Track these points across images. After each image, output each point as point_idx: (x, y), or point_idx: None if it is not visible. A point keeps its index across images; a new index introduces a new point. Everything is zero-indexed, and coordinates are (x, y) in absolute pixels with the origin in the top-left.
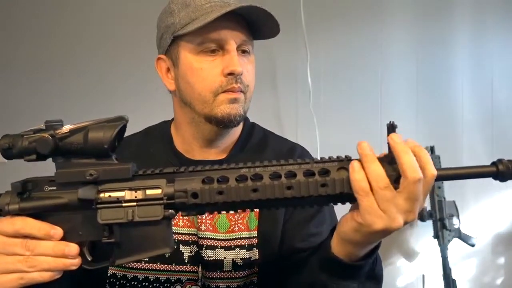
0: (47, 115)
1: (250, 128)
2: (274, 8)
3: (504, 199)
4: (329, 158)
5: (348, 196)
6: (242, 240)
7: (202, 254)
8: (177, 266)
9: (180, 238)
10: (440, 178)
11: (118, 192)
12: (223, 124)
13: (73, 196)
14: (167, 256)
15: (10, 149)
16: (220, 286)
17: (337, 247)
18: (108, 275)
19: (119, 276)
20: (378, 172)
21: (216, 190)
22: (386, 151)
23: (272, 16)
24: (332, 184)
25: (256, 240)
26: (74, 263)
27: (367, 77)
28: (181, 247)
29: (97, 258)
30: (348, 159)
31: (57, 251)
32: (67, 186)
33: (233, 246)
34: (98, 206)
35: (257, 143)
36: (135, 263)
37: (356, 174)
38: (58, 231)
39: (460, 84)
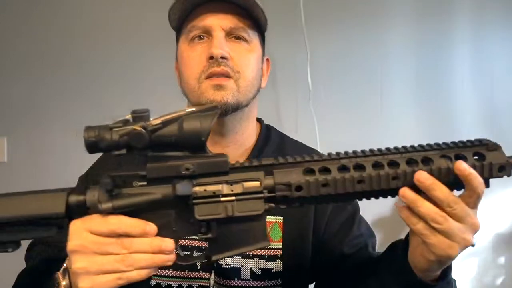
0: (46, 113)
1: (267, 132)
2: (274, 8)
3: (504, 199)
4: (427, 144)
5: (454, 182)
6: (263, 250)
7: (219, 262)
8: (189, 273)
9: (193, 244)
10: None
11: (214, 185)
12: None
13: (167, 192)
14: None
15: (96, 143)
16: None
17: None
18: None
19: None
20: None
21: (321, 182)
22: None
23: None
24: (437, 172)
25: (281, 252)
26: (170, 258)
27: (367, 77)
28: (194, 253)
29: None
30: (451, 147)
31: (154, 247)
32: (159, 181)
33: (251, 255)
34: (195, 201)
35: (275, 149)
36: None
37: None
38: (153, 227)
39: (460, 84)
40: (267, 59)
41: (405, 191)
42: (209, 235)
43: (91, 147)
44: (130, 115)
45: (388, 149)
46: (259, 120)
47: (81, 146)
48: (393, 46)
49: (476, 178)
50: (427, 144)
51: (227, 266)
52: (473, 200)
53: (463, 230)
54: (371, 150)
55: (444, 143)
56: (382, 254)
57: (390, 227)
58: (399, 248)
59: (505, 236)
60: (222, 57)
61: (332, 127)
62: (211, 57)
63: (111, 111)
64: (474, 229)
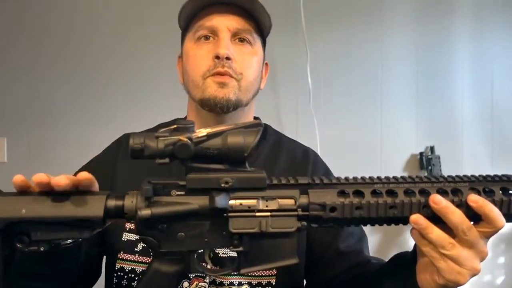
0: (46, 113)
1: (264, 129)
2: (274, 8)
3: None
4: (456, 176)
5: (474, 216)
6: None
7: (216, 251)
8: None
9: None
10: None
11: (250, 200)
12: (209, 106)
13: (204, 203)
14: None
15: (142, 150)
16: (234, 282)
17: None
18: (116, 268)
19: (127, 270)
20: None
21: (355, 205)
22: (384, 152)
23: (259, 3)
24: (465, 205)
25: None
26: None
27: (367, 77)
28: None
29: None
30: (471, 180)
31: None
32: (197, 192)
33: None
34: (230, 214)
35: (272, 144)
36: (144, 257)
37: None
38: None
39: (460, 84)
40: (266, 63)
41: (418, 218)
42: (241, 248)
43: (136, 153)
44: (176, 125)
45: (420, 177)
46: (256, 119)
47: (80, 146)
48: (393, 47)
49: (492, 211)
50: (457, 176)
51: (224, 255)
52: (488, 232)
53: (471, 258)
54: (403, 177)
55: (473, 176)
56: (386, 265)
57: (389, 227)
58: (406, 263)
59: (505, 236)
60: (227, 58)
61: (332, 127)
62: (217, 57)
63: (111, 111)
64: (482, 257)
